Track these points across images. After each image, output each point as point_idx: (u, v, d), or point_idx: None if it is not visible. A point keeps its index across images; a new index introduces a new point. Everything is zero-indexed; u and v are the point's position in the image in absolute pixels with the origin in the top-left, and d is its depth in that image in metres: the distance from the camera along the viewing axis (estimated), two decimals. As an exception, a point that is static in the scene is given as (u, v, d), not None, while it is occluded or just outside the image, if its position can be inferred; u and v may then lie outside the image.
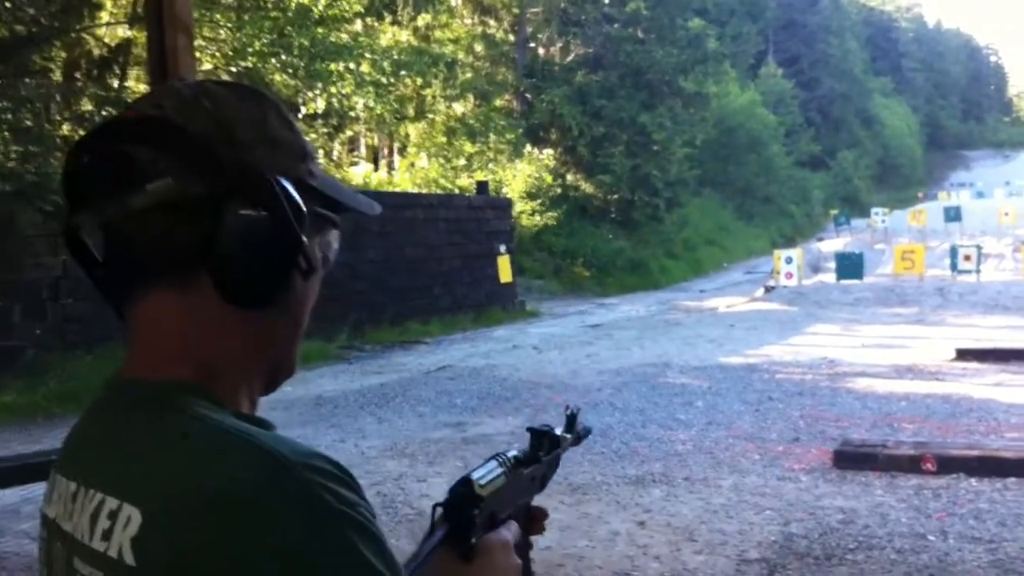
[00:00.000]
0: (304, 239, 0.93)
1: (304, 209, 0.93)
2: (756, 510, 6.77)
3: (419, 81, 27.26)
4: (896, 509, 6.69)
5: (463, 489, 1.09)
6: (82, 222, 0.94)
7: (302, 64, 18.81)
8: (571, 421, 1.41)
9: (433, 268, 20.28)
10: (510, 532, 1.13)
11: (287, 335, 1.01)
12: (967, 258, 22.62)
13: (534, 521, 1.26)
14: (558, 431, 1.35)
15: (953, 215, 32.49)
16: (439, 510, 1.08)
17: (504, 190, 28.47)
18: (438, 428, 9.84)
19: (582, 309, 23.98)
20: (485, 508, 1.09)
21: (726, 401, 10.77)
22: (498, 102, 32.34)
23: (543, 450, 1.30)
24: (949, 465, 7.48)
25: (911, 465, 7.57)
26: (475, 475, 1.12)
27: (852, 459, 7.81)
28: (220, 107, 0.95)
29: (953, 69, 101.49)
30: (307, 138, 1.04)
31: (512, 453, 1.22)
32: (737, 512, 6.73)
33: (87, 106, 14.82)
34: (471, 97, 31.13)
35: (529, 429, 1.33)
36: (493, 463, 1.17)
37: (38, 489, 5.80)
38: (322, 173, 1.02)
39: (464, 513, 1.07)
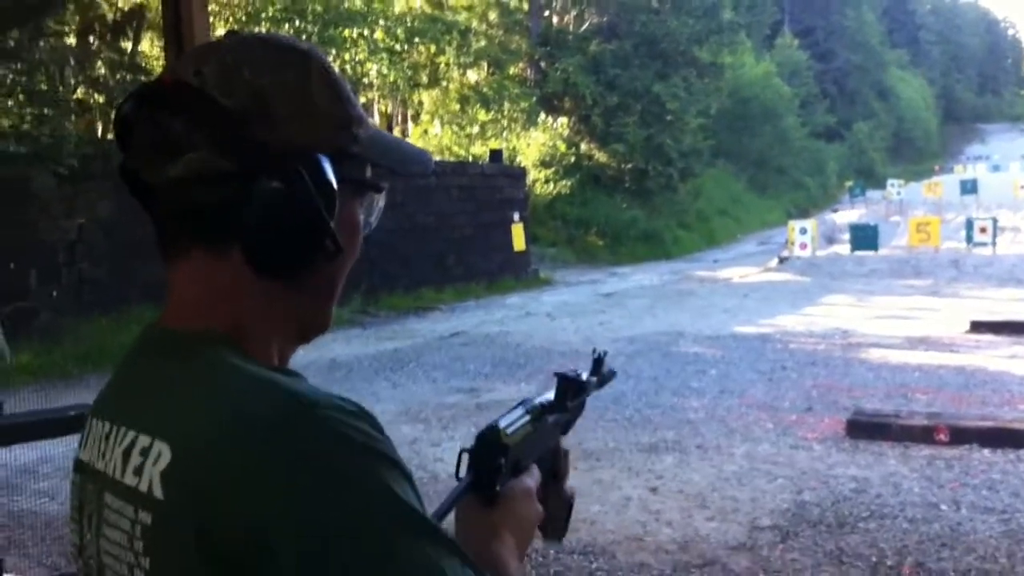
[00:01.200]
0: (329, 220, 0.93)
1: (334, 185, 0.94)
2: (768, 478, 6.79)
3: (432, 48, 27.18)
4: (909, 479, 6.70)
5: (490, 436, 1.09)
6: (135, 168, 0.96)
7: (315, 30, 18.80)
8: (598, 364, 1.40)
9: (447, 235, 20.28)
10: (532, 479, 1.13)
11: (319, 298, 1.02)
12: (983, 230, 22.51)
13: (560, 461, 1.27)
14: (584, 375, 1.34)
15: (969, 188, 32.33)
16: (465, 456, 1.08)
17: (518, 158, 28.41)
18: (451, 393, 9.87)
19: (595, 278, 23.96)
20: (511, 456, 1.09)
21: (739, 370, 10.77)
22: (512, 70, 32.20)
23: (569, 396, 1.29)
24: (962, 436, 7.48)
25: (924, 435, 7.57)
26: (502, 423, 1.11)
27: (865, 429, 7.81)
28: (260, 77, 0.94)
29: (970, 42, 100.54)
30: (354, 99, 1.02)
31: (539, 400, 1.22)
32: (749, 480, 6.75)
33: (101, 69, 14.83)
34: (485, 65, 31.01)
35: (557, 374, 1.32)
36: (520, 410, 1.17)
37: (55, 448, 5.84)
38: (371, 136, 1.02)
39: (490, 461, 1.07)
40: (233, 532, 0.81)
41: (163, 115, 0.92)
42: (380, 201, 1.07)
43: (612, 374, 1.46)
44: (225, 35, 1.00)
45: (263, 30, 17.91)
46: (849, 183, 45.27)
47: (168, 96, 0.93)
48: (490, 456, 1.07)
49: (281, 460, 0.81)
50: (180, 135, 0.91)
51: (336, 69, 1.02)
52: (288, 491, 0.80)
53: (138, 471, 0.89)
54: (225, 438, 0.84)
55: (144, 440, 0.90)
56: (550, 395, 1.27)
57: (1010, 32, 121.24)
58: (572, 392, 1.30)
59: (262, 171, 0.91)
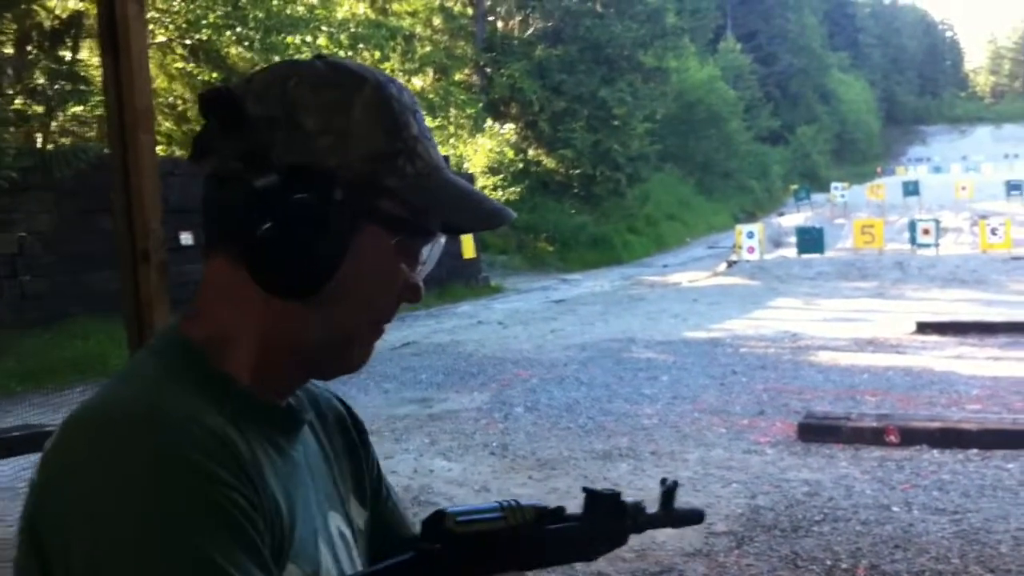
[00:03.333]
0: (322, 246, 0.92)
1: (337, 209, 0.91)
2: (723, 483, 6.80)
3: (377, 55, 26.98)
4: (860, 481, 6.74)
5: (432, 520, 1.01)
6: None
7: (258, 37, 18.58)
8: (667, 496, 1.23)
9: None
10: None
11: (330, 329, 0.97)
12: (926, 232, 22.84)
13: None
14: (629, 500, 1.18)
15: (911, 189, 32.82)
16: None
17: (465, 165, 28.38)
18: (404, 404, 9.80)
19: (546, 284, 23.98)
20: (460, 548, 1.00)
21: (691, 375, 10.80)
22: (458, 76, 32.16)
23: (599, 515, 1.15)
24: (912, 437, 7.54)
25: (874, 437, 7.63)
26: (454, 509, 1.02)
27: (816, 432, 7.86)
28: (301, 90, 0.94)
29: (910, 44, 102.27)
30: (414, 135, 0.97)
31: (532, 504, 1.08)
32: (704, 485, 6.75)
33: (39, 79, 14.55)
34: (430, 71, 30.93)
35: (585, 489, 1.18)
36: (494, 504, 1.05)
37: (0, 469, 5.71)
38: (425, 176, 0.96)
39: (426, 546, 0.99)
40: (51, 547, 0.81)
41: (209, 113, 0.95)
42: (437, 243, 1.03)
43: (699, 516, 1.27)
44: (313, 57, 0.99)
45: (204, 37, 17.72)
46: (794, 186, 45.80)
47: (219, 100, 0.95)
48: (427, 540, 1.00)
49: (89, 473, 0.80)
50: (211, 137, 0.94)
51: (404, 103, 0.97)
52: (85, 507, 0.79)
53: None
54: (64, 436, 0.84)
55: None
56: (562, 506, 1.12)
57: (948, 34, 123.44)
58: (603, 510, 1.16)
59: (270, 181, 0.91)
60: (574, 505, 1.17)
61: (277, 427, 0.97)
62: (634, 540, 4.76)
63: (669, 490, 1.22)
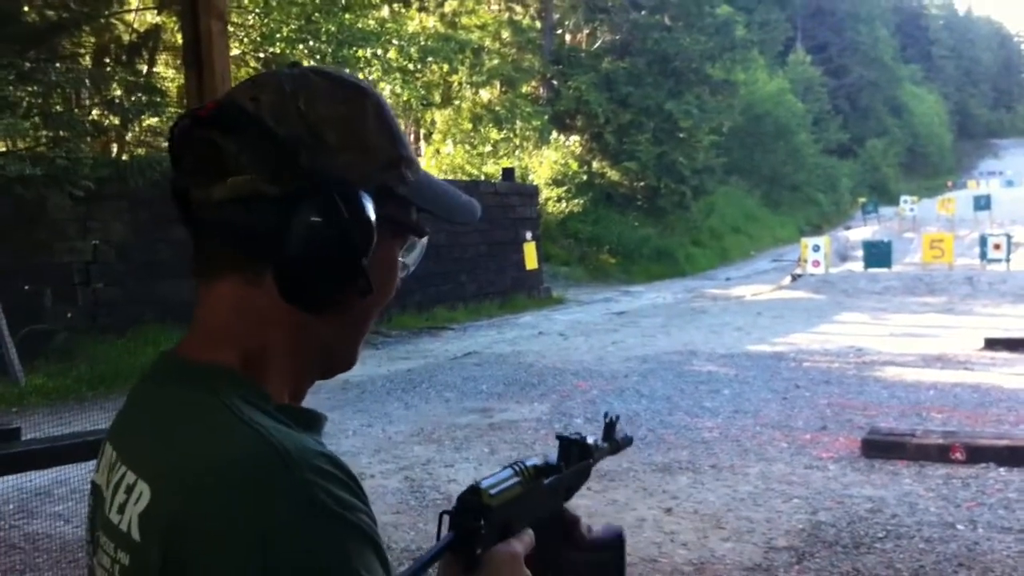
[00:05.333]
0: (362, 258, 0.94)
1: (373, 223, 0.94)
2: (784, 498, 6.76)
3: (445, 67, 27.25)
4: (925, 498, 6.66)
5: (470, 497, 1.04)
6: (185, 187, 0.97)
7: (330, 50, 18.84)
8: (609, 429, 1.36)
9: (459, 254, 20.30)
10: (521, 543, 1.07)
11: (346, 335, 1.02)
12: (997, 247, 22.43)
13: (570, 528, 1.22)
14: (591, 439, 1.29)
15: (983, 204, 32.24)
16: (446, 518, 1.04)
17: (530, 177, 28.46)
18: (464, 414, 9.87)
19: (608, 296, 23.95)
20: (494, 518, 1.04)
21: (753, 389, 10.74)
22: (524, 88, 32.28)
23: (572, 459, 1.25)
24: (978, 455, 7.44)
25: (940, 454, 7.53)
26: (485, 483, 1.07)
27: (880, 448, 7.78)
28: (315, 107, 0.95)
29: (983, 57, 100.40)
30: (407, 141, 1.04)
31: (531, 462, 1.16)
32: (764, 500, 6.72)
33: (116, 91, 14.89)
34: (497, 84, 31.11)
35: (559, 436, 1.28)
36: (508, 472, 1.12)
37: (71, 471, 5.85)
38: (420, 179, 1.02)
39: (469, 523, 1.02)
40: None
41: (215, 135, 0.94)
42: (420, 245, 1.08)
43: (628, 440, 1.41)
44: (288, 66, 1.02)
45: (277, 51, 18.03)
46: (862, 200, 45.20)
47: (223, 118, 0.94)
48: (470, 518, 1.03)
49: (246, 517, 0.81)
50: (229, 157, 0.93)
51: (390, 109, 1.02)
52: (254, 552, 0.80)
53: (121, 509, 0.90)
54: (198, 486, 0.84)
55: (130, 477, 0.91)
56: (547, 457, 1.21)
57: (1023, 47, 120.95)
58: (575, 455, 1.26)
59: (304, 200, 0.92)
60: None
61: (321, 432, 0.99)
62: (691, 554, 4.78)
63: (611, 423, 1.36)
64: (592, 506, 6.42)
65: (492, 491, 1.06)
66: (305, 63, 1.07)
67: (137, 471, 0.90)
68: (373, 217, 0.94)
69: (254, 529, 0.80)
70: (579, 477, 1.27)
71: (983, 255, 22.60)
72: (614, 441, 1.36)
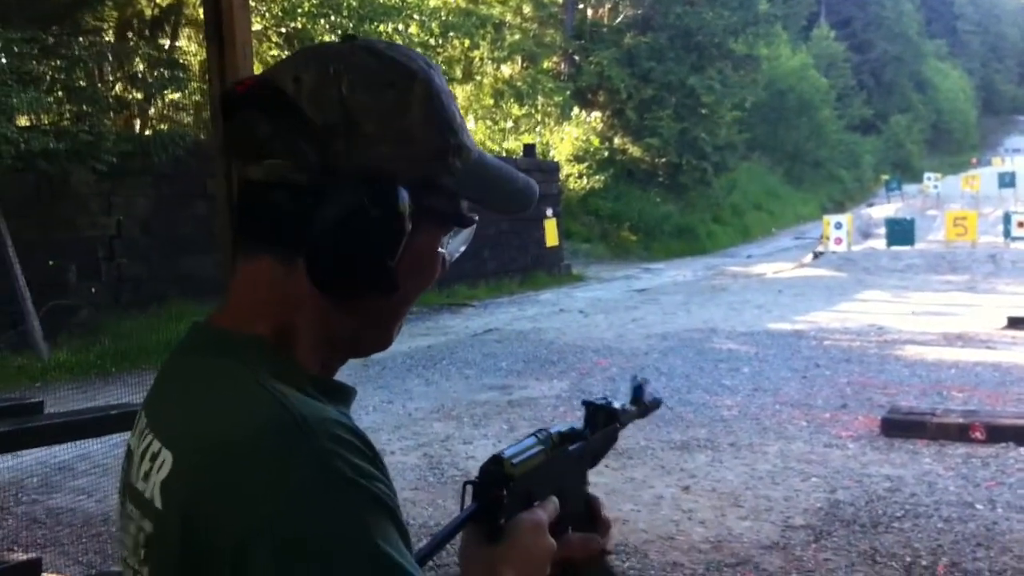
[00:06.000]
0: (388, 256, 0.93)
1: (406, 219, 0.93)
2: (802, 477, 6.76)
3: (467, 43, 27.15)
4: (944, 477, 6.65)
5: (492, 467, 1.04)
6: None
7: (351, 25, 18.80)
8: (637, 391, 1.35)
9: (479, 231, 19.87)
10: (545, 511, 1.07)
11: (378, 322, 1.01)
12: (1021, 225, 22.27)
13: (592, 506, 1.21)
14: (617, 404, 1.29)
15: (1007, 181, 32.02)
16: (469, 488, 1.04)
17: (551, 153, 28.40)
18: (484, 391, 9.91)
19: (628, 274, 23.92)
20: (517, 487, 1.05)
21: (772, 367, 10.73)
22: (546, 64, 32.15)
23: (598, 425, 1.25)
24: (998, 434, 7.41)
25: (960, 434, 7.51)
26: (507, 452, 1.07)
27: (900, 427, 7.76)
28: (356, 92, 0.93)
29: (1010, 32, 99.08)
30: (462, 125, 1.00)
31: (555, 429, 1.16)
32: (783, 478, 6.73)
33: (139, 66, 14.95)
34: (519, 59, 31.00)
35: (584, 402, 1.27)
36: (531, 440, 1.12)
37: (93, 445, 5.92)
38: (472, 166, 1.00)
39: (492, 492, 1.03)
40: (214, 547, 0.81)
41: (255, 115, 0.93)
42: (466, 233, 1.06)
43: (656, 402, 1.40)
44: (343, 38, 0.99)
45: (299, 25, 18.02)
46: (885, 177, 44.92)
47: (263, 97, 0.93)
48: (492, 487, 1.03)
49: (268, 487, 0.81)
50: (265, 139, 0.92)
51: (446, 92, 0.99)
52: (271, 518, 0.80)
53: (146, 477, 0.91)
54: (217, 453, 0.84)
55: (155, 446, 0.91)
56: (572, 424, 1.21)
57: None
58: (601, 420, 1.25)
59: (333, 192, 0.91)
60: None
61: (349, 405, 0.99)
62: (708, 532, 4.78)
63: (639, 386, 1.35)
64: (610, 484, 6.45)
65: (514, 460, 1.06)
66: (326, 39, 1.04)
67: (162, 439, 0.91)
68: (406, 213, 0.93)
69: (271, 496, 0.81)
70: (606, 442, 1.27)
71: (1007, 233, 22.46)
72: (642, 403, 1.36)
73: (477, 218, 1.04)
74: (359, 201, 0.91)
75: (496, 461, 1.05)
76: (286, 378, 0.91)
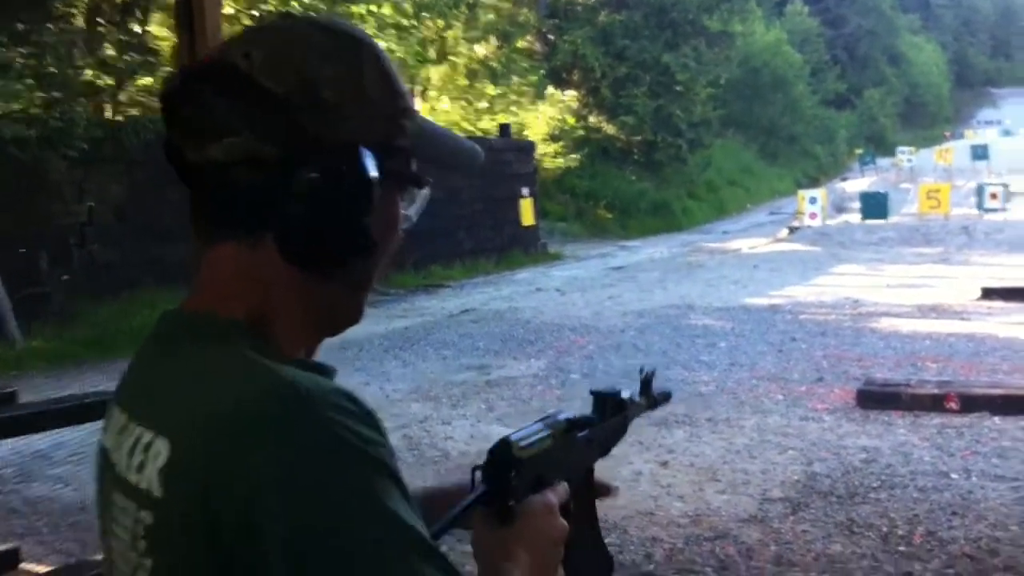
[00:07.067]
0: (364, 218, 0.93)
1: (374, 182, 0.93)
2: (779, 450, 6.81)
3: (440, 23, 27.03)
4: (919, 448, 6.72)
5: (500, 449, 1.04)
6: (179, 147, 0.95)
7: (323, 7, 18.68)
8: (646, 384, 1.35)
9: (455, 211, 20.26)
10: (556, 495, 1.07)
11: (351, 291, 1.01)
12: (994, 196, 22.46)
13: (596, 488, 1.22)
14: (626, 394, 1.29)
15: (980, 153, 32.24)
16: (478, 474, 1.04)
17: (526, 133, 28.33)
18: (461, 371, 9.91)
19: (605, 251, 23.95)
20: (525, 471, 1.04)
21: (749, 342, 10.78)
22: (520, 43, 32.02)
23: (606, 414, 1.24)
24: (972, 404, 7.49)
25: (934, 404, 7.58)
26: (515, 436, 1.06)
27: (875, 399, 7.83)
28: (311, 61, 0.93)
29: (982, 5, 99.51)
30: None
31: (564, 415, 1.15)
32: (760, 452, 6.78)
33: (110, 51, 14.81)
34: (493, 38, 30.85)
35: (592, 391, 1.27)
36: (538, 425, 1.11)
37: (69, 434, 5.90)
38: (419, 128, 1.00)
39: (501, 475, 1.03)
40: (227, 526, 0.80)
41: (209, 95, 0.91)
42: (422, 196, 1.05)
43: (666, 395, 1.40)
44: (280, 16, 0.99)
45: (271, 8, 17.87)
46: (859, 151, 45.11)
47: (215, 76, 0.92)
48: (500, 470, 1.03)
49: (274, 456, 0.81)
50: (224, 117, 0.90)
51: (388, 56, 0.99)
52: (279, 487, 0.80)
53: (140, 468, 0.89)
54: (222, 431, 0.83)
55: (147, 436, 0.90)
56: (582, 411, 1.21)
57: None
58: (610, 410, 1.25)
59: (303, 161, 0.90)
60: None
61: None
62: (687, 506, 4.82)
63: (647, 378, 1.34)
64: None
65: (522, 443, 1.05)
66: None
67: (153, 428, 0.89)
68: (375, 175, 0.93)
69: (279, 468, 0.80)
70: (615, 432, 1.26)
71: (980, 205, 22.64)
72: (651, 396, 1.36)
73: (431, 180, 1.03)
74: (331, 169, 0.91)
75: (504, 444, 1.04)
76: (269, 357, 0.90)
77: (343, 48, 0.95)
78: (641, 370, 1.36)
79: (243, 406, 0.84)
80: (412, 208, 1.05)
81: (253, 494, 0.80)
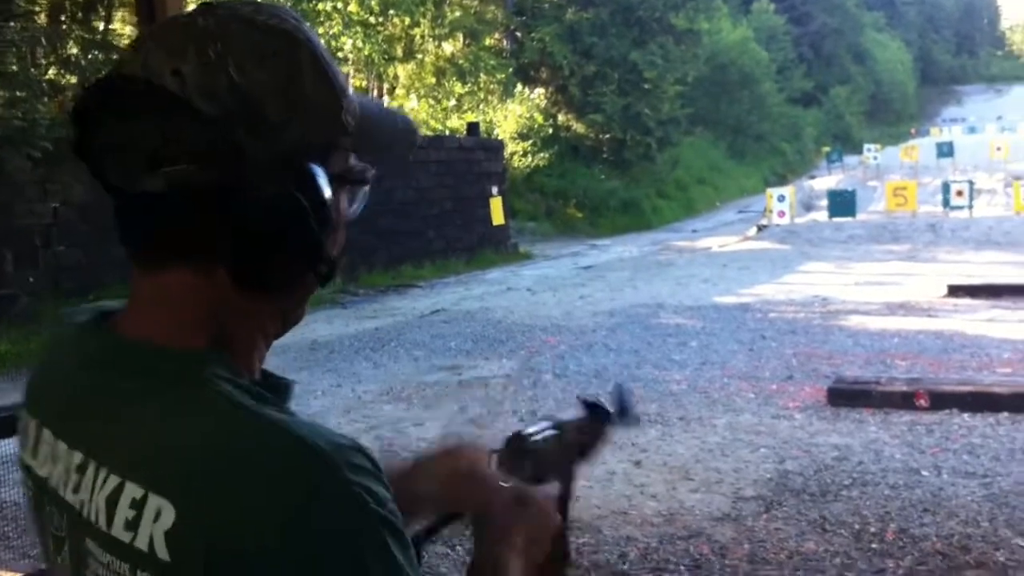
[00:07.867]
0: (323, 240, 0.89)
1: (328, 203, 0.88)
2: (751, 448, 6.82)
3: (407, 20, 26.97)
4: (890, 445, 6.75)
5: (516, 441, 1.14)
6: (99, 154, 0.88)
7: (288, 4, 18.58)
8: (620, 399, 1.36)
9: (425, 211, 20.21)
10: (554, 490, 1.15)
11: (301, 299, 0.97)
12: (959, 194, 22.64)
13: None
14: (611, 408, 1.32)
15: (945, 151, 32.50)
16: (494, 456, 1.12)
17: (495, 131, 28.32)
18: (433, 372, 9.87)
19: (575, 250, 23.97)
20: (530, 465, 1.13)
21: (720, 341, 10.80)
22: (488, 41, 32.02)
23: (595, 421, 1.28)
24: (942, 401, 7.53)
25: (904, 401, 7.62)
26: (528, 431, 1.16)
27: (846, 396, 7.86)
28: (247, 73, 0.85)
29: (946, 3, 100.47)
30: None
31: (566, 418, 1.24)
32: (732, 450, 6.78)
33: (73, 49, 14.65)
34: (460, 36, 30.81)
35: (581, 399, 1.30)
36: (547, 423, 1.20)
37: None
38: (358, 115, 0.93)
39: (514, 463, 1.12)
40: None
41: (137, 121, 0.83)
42: (364, 191, 1.00)
43: (635, 419, 1.43)
44: (200, 10, 0.88)
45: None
46: (826, 149, 45.39)
47: (141, 98, 0.83)
48: (515, 458, 1.12)
49: (296, 528, 0.77)
50: (157, 145, 0.82)
51: (322, 45, 0.92)
52: (301, 558, 0.77)
53: (131, 526, 0.81)
54: (238, 496, 0.78)
55: (135, 490, 0.82)
56: (574, 414, 1.26)
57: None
58: (598, 418, 1.29)
59: (250, 186, 0.84)
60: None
61: (289, 400, 0.94)
62: (660, 505, 4.80)
63: (621, 393, 1.36)
64: (562, 461, 6.45)
65: (534, 438, 1.16)
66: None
67: (145, 484, 0.81)
68: (328, 193, 0.88)
69: (304, 538, 0.76)
70: (595, 439, 1.29)
71: (946, 202, 22.81)
72: (624, 411, 1.36)
73: (373, 174, 0.98)
74: (280, 190, 0.85)
75: (519, 437, 1.15)
76: (247, 390, 0.85)
77: (278, 48, 0.87)
78: (617, 385, 1.40)
79: (264, 473, 0.79)
80: (355, 206, 0.99)
81: (282, 568, 0.77)
